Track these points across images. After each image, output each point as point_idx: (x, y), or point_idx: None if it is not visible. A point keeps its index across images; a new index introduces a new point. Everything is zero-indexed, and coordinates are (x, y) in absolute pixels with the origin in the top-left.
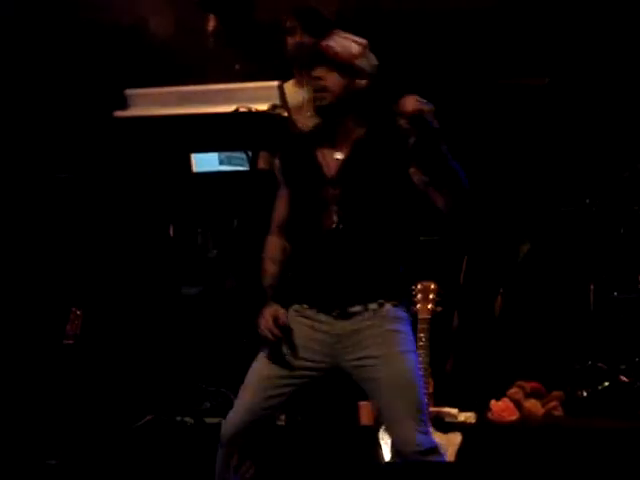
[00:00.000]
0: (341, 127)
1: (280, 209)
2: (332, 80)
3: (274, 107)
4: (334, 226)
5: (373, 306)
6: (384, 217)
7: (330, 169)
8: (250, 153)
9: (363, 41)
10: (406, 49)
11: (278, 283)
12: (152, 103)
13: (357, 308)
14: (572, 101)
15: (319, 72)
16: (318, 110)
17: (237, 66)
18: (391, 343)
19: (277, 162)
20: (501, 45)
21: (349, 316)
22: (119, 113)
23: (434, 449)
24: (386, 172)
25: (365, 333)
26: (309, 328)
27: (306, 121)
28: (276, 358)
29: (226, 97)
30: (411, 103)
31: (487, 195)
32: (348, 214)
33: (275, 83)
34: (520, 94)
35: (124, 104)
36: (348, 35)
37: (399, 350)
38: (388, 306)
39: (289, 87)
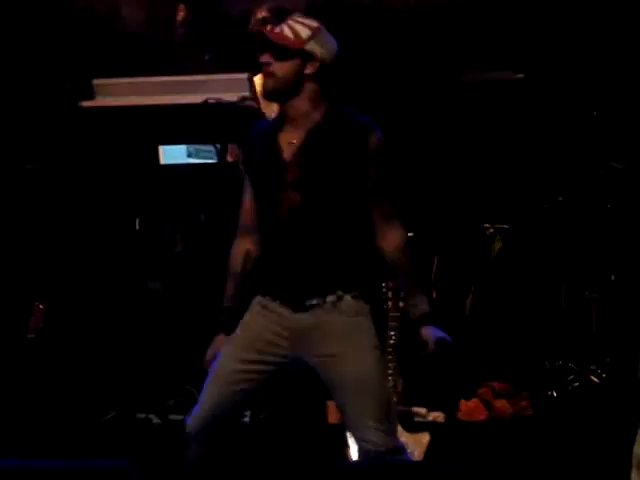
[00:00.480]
0: (297, 111)
1: (245, 206)
2: (278, 65)
3: (244, 99)
4: (291, 212)
5: (331, 298)
6: (341, 204)
7: (288, 153)
8: (219, 146)
9: (315, 24)
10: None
11: (237, 304)
12: (120, 93)
13: (315, 301)
14: (547, 97)
15: (265, 58)
16: (266, 95)
17: (207, 57)
18: (352, 339)
19: (240, 152)
20: (477, 41)
21: (307, 309)
22: (86, 103)
23: (398, 449)
24: (342, 160)
25: (325, 329)
26: (271, 322)
27: (275, 114)
28: (239, 352)
29: (195, 88)
30: (431, 343)
31: (459, 192)
32: (305, 200)
33: (245, 75)
34: (495, 90)
35: (91, 94)
36: (302, 19)
37: (360, 346)
38: (347, 298)
39: (259, 79)
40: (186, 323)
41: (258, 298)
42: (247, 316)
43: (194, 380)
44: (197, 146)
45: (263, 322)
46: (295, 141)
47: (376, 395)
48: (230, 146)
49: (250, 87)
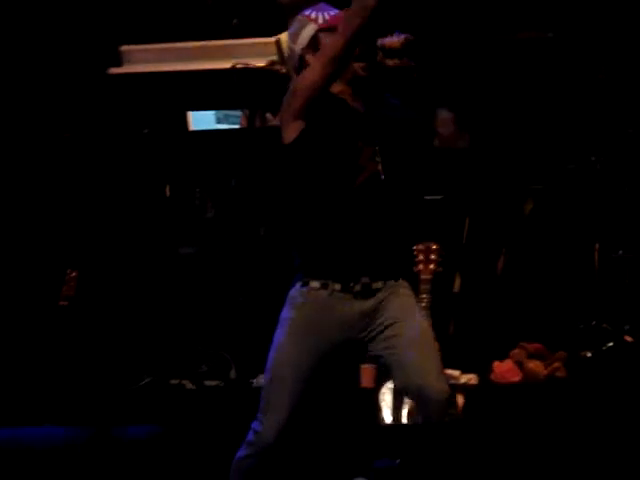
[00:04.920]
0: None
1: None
2: None
3: (272, 63)
4: (376, 175)
5: (391, 283)
6: (410, 175)
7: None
8: (247, 112)
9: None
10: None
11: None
12: (148, 60)
13: (379, 284)
14: (577, 56)
15: None
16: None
17: (235, 21)
18: (410, 305)
19: (299, 130)
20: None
21: (371, 294)
22: (114, 70)
23: (453, 394)
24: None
25: (384, 304)
26: (330, 312)
27: None
28: (306, 347)
29: (223, 53)
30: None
31: (490, 153)
32: (388, 160)
33: (272, 39)
34: (524, 49)
35: (119, 61)
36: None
37: (417, 312)
38: (400, 280)
39: (284, 39)
40: (218, 288)
41: (309, 290)
42: (300, 312)
43: (227, 346)
44: (226, 112)
45: (322, 318)
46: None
47: (435, 349)
48: (244, 111)
49: (277, 50)
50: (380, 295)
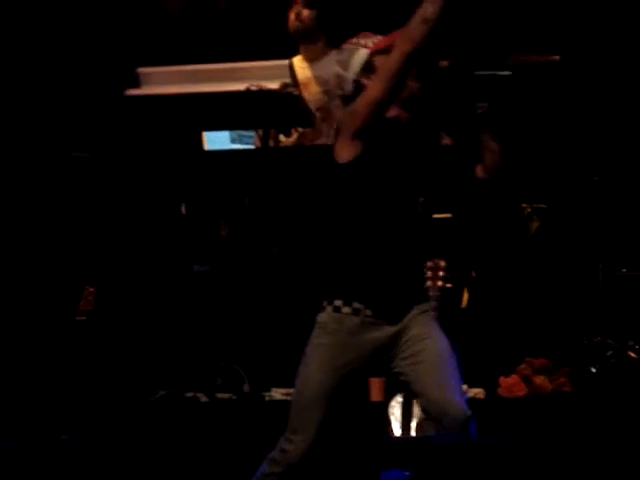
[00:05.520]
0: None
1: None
2: None
3: (285, 86)
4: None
5: (417, 305)
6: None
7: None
8: (261, 132)
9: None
10: None
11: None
12: (164, 82)
13: (407, 308)
14: (583, 77)
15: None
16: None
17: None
18: (432, 323)
19: (357, 151)
20: (512, 23)
21: (400, 319)
22: (131, 91)
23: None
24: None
25: (408, 324)
26: (359, 338)
27: (313, 97)
28: (338, 372)
29: (238, 75)
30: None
31: (497, 172)
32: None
33: (285, 62)
34: (531, 71)
35: (136, 82)
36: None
37: (438, 327)
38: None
39: (297, 63)
40: (231, 305)
41: (338, 315)
42: (329, 337)
43: (239, 359)
44: (240, 132)
45: (354, 342)
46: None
47: (457, 369)
48: (258, 132)
49: (290, 73)
50: (405, 321)
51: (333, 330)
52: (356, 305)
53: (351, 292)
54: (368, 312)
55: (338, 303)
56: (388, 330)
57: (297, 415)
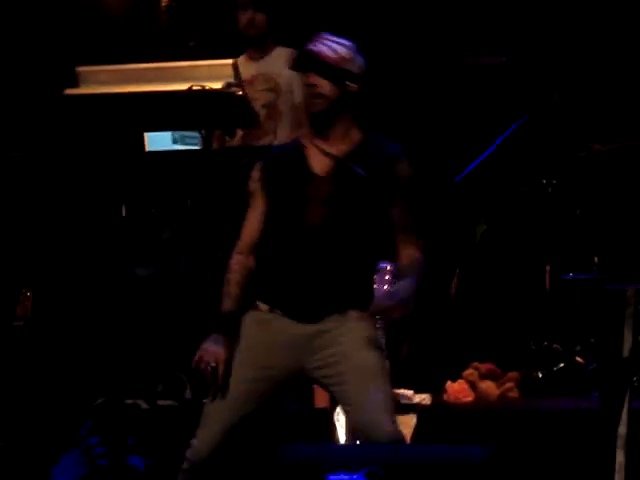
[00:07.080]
0: (336, 130)
1: (252, 225)
2: (326, 86)
3: (228, 85)
4: (314, 228)
5: (341, 313)
6: (363, 225)
7: (322, 168)
8: (204, 132)
9: (350, 44)
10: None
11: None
12: (104, 81)
13: (324, 312)
14: (529, 80)
15: (313, 79)
16: (312, 116)
17: (191, 43)
18: (362, 340)
19: (256, 173)
20: (458, 24)
21: (315, 319)
22: (70, 91)
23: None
24: (373, 182)
25: (332, 332)
26: (274, 332)
27: (257, 95)
28: (245, 372)
29: (180, 75)
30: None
31: (443, 176)
32: (334, 214)
33: (229, 61)
34: (479, 73)
35: (75, 82)
36: (334, 38)
37: (371, 345)
38: (354, 313)
39: (241, 62)
40: (173, 309)
41: (256, 312)
42: (246, 332)
43: (182, 366)
44: (182, 132)
45: (265, 334)
46: (329, 159)
47: (387, 388)
48: (215, 132)
49: (235, 73)
50: (329, 324)
51: (248, 324)
52: (272, 304)
53: (266, 293)
54: (278, 311)
55: (257, 302)
56: (303, 329)
57: (206, 409)
